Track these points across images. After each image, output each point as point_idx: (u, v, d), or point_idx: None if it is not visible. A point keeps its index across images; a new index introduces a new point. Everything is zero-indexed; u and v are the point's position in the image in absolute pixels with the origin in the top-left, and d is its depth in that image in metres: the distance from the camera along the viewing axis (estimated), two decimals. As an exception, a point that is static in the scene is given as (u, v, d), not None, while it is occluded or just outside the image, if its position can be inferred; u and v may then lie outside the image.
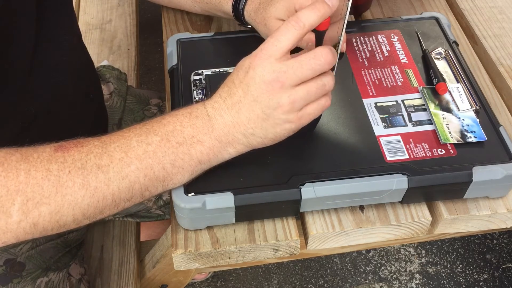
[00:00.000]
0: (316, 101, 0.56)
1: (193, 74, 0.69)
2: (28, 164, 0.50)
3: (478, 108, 0.65)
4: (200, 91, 0.67)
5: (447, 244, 1.57)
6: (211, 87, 0.68)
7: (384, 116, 0.65)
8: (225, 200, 0.57)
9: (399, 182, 0.59)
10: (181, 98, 0.67)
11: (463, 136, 0.62)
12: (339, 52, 0.61)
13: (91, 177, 0.51)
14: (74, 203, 0.51)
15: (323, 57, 0.53)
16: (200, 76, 0.69)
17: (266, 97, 0.53)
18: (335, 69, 0.62)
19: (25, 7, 0.62)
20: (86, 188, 0.51)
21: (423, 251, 1.55)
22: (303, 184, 0.58)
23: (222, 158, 0.56)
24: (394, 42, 0.74)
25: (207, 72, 0.70)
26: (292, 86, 0.53)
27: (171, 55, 0.73)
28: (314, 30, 0.56)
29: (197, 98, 0.67)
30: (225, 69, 0.70)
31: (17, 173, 0.49)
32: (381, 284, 1.48)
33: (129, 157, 0.53)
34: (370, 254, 1.55)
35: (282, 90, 0.53)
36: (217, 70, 0.70)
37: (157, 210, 1.00)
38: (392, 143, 0.62)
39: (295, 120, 0.55)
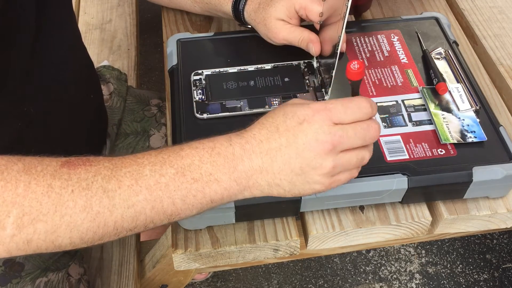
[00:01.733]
0: (349, 170, 0.54)
1: (193, 74, 0.69)
2: (30, 176, 0.47)
3: (478, 108, 0.65)
4: (200, 91, 0.67)
5: (447, 244, 1.57)
6: (211, 87, 0.68)
7: (384, 116, 0.65)
8: (225, 200, 0.57)
9: (399, 182, 0.59)
10: (181, 98, 0.67)
11: (463, 136, 0.62)
12: (338, 52, 0.61)
13: (94, 200, 0.48)
14: (72, 225, 0.47)
15: (374, 130, 0.52)
16: (200, 76, 0.69)
17: (312, 155, 0.50)
18: (334, 69, 0.62)
19: (25, 7, 0.62)
20: (88, 211, 0.48)
21: (423, 251, 1.55)
22: (303, 184, 0.58)
23: (233, 199, 0.53)
24: (394, 42, 0.74)
25: (207, 72, 0.70)
26: (339, 152, 0.52)
27: (171, 55, 0.73)
28: (351, 81, 0.56)
29: (197, 98, 0.67)
30: (225, 69, 0.70)
31: (17, 185, 0.46)
32: (381, 284, 1.48)
33: (139, 186, 0.49)
34: (370, 254, 1.55)
35: (329, 153, 0.51)
36: (217, 70, 0.70)
37: None
38: (392, 143, 0.62)
39: (326, 184, 0.53)
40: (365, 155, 0.53)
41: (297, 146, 0.51)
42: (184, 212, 0.52)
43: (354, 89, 0.57)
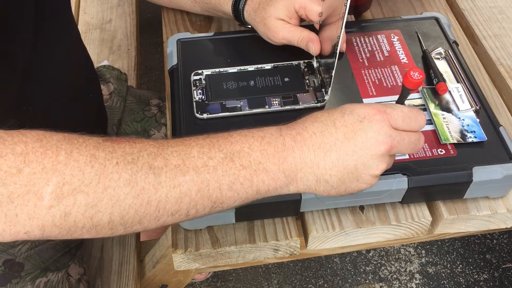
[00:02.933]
0: None
1: (193, 74, 0.69)
2: (71, 145, 0.44)
3: (478, 108, 0.65)
4: (200, 91, 0.67)
5: (447, 244, 1.57)
6: (211, 87, 0.68)
7: (384, 116, 0.65)
8: (225, 200, 0.57)
9: (399, 182, 0.59)
10: (181, 98, 0.67)
11: (463, 136, 0.62)
12: (338, 51, 0.61)
13: (140, 175, 0.45)
14: (115, 199, 0.44)
15: (422, 143, 0.53)
16: (200, 76, 0.69)
17: (369, 154, 0.50)
18: (334, 69, 0.62)
19: (24, 6, 0.62)
20: (132, 186, 0.45)
21: (423, 251, 1.55)
22: (303, 184, 0.58)
23: (278, 193, 0.52)
24: (394, 42, 0.74)
25: (207, 72, 0.70)
26: (392, 156, 0.52)
27: (171, 55, 0.73)
28: (403, 87, 0.56)
29: (197, 98, 0.67)
30: (225, 69, 0.70)
31: (58, 152, 0.43)
32: (381, 284, 1.48)
33: (186, 166, 0.47)
34: (370, 254, 1.55)
35: (385, 155, 0.51)
36: (217, 70, 0.70)
37: None
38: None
39: (372, 184, 0.52)
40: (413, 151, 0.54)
41: (355, 143, 0.50)
42: (228, 201, 0.50)
43: (404, 96, 0.57)
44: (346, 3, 0.56)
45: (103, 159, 0.44)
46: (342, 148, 0.50)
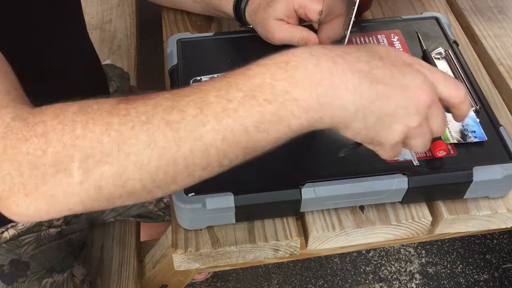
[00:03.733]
0: (422, 140, 0.49)
1: (192, 81, 0.69)
2: (86, 116, 0.43)
3: (478, 108, 0.65)
4: None
5: (447, 244, 1.57)
6: None
7: (384, 116, 0.65)
8: (225, 200, 0.57)
9: (399, 182, 0.59)
10: (181, 98, 0.67)
11: (463, 136, 0.62)
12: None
13: (158, 134, 0.43)
14: (140, 164, 0.42)
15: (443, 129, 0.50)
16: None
17: (412, 99, 0.45)
18: None
19: (35, 6, 0.62)
20: (153, 147, 0.42)
21: (423, 251, 1.55)
22: (303, 184, 0.58)
23: (313, 127, 0.46)
24: (394, 42, 0.74)
25: (205, 78, 0.69)
26: (427, 118, 0.47)
27: (171, 55, 0.73)
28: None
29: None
30: (224, 73, 0.69)
31: (74, 126, 0.42)
32: (381, 284, 1.48)
33: (204, 115, 0.43)
34: (370, 254, 1.55)
35: (424, 109, 0.46)
36: (215, 75, 0.69)
37: (158, 211, 1.00)
38: (392, 143, 0.62)
39: (397, 141, 0.48)
40: (428, 142, 0.50)
41: (401, 83, 0.45)
42: (260, 143, 0.45)
43: None
44: (356, 0, 0.56)
45: (118, 125, 0.43)
46: (388, 85, 0.45)
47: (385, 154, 0.50)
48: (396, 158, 0.61)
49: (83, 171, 0.42)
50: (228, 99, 0.43)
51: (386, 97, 0.44)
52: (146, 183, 0.44)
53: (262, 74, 0.44)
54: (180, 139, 0.43)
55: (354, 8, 0.57)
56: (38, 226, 0.81)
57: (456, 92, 0.49)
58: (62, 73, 0.70)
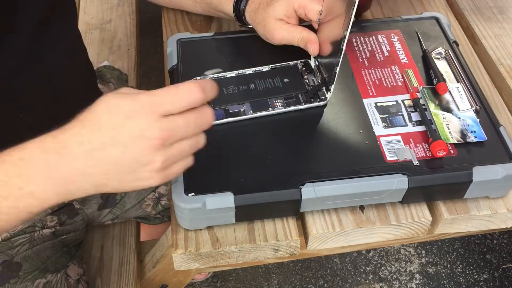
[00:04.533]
0: (184, 159, 0.51)
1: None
2: None
3: (478, 108, 0.65)
4: None
5: (447, 244, 1.57)
6: None
7: (384, 116, 0.65)
8: (225, 200, 0.57)
9: (399, 182, 0.59)
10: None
11: (463, 136, 0.62)
12: (344, 48, 0.61)
13: None
14: None
15: (207, 116, 0.50)
16: None
17: (140, 152, 0.47)
18: (338, 66, 0.62)
19: (25, 7, 0.62)
20: None
21: (423, 251, 1.55)
22: (303, 184, 0.58)
23: (61, 202, 0.50)
24: (394, 42, 0.74)
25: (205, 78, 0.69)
26: (170, 144, 0.48)
27: (171, 55, 0.73)
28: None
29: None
30: (223, 74, 0.69)
31: None
32: (381, 284, 1.48)
33: None
34: (370, 254, 1.55)
35: (159, 148, 0.47)
36: (215, 76, 0.69)
37: (156, 215, 1.00)
38: (392, 143, 0.62)
39: (159, 179, 0.49)
40: (200, 140, 0.51)
41: (123, 144, 0.46)
42: (4, 227, 0.49)
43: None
44: (355, 0, 0.56)
45: None
46: (112, 151, 0.47)
47: (154, 183, 0.50)
48: (396, 158, 0.61)
49: None
50: None
51: (114, 164, 0.47)
52: None
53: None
54: None
55: (353, 8, 0.57)
56: (31, 227, 0.80)
57: (192, 101, 0.48)
58: (51, 79, 0.70)
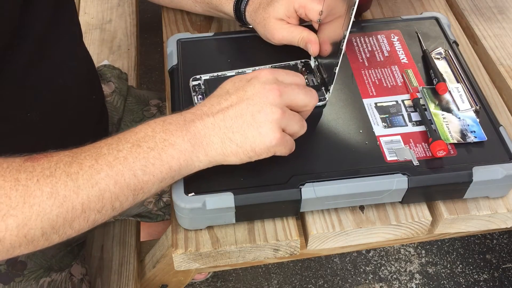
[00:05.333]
0: (297, 123, 0.57)
1: (191, 79, 0.69)
2: None
3: (478, 108, 0.65)
4: (200, 96, 0.67)
5: (447, 244, 1.57)
6: (211, 91, 0.68)
7: (384, 116, 0.65)
8: (225, 200, 0.57)
9: (399, 182, 0.59)
10: (181, 98, 0.67)
11: (463, 136, 0.62)
12: (344, 48, 0.61)
13: (59, 185, 0.49)
14: (42, 213, 0.48)
15: (314, 93, 0.58)
16: (199, 81, 0.69)
17: (262, 101, 0.54)
18: (338, 66, 0.62)
19: (34, 11, 0.62)
20: (55, 197, 0.49)
21: (423, 251, 1.55)
22: (303, 184, 0.58)
23: (193, 167, 0.55)
24: (394, 42, 0.74)
25: (205, 77, 0.69)
26: (286, 104, 0.56)
27: (171, 55, 0.73)
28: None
29: (197, 102, 0.67)
30: (223, 73, 0.69)
31: None
32: (381, 284, 1.48)
33: (99, 164, 0.51)
34: (370, 254, 1.55)
35: (278, 99, 0.55)
36: (215, 74, 0.69)
37: (158, 211, 1.00)
38: (392, 143, 0.62)
39: (278, 137, 0.54)
40: (304, 124, 0.59)
41: (247, 97, 0.55)
42: (147, 186, 0.53)
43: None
44: (356, 0, 0.56)
45: (25, 180, 0.48)
46: (238, 106, 0.54)
47: (280, 151, 0.56)
48: (396, 158, 0.61)
49: None
50: (118, 150, 0.52)
51: (239, 115, 0.54)
52: (46, 230, 0.49)
53: (145, 129, 0.54)
54: (78, 187, 0.49)
55: (353, 8, 0.57)
56: None
57: (299, 81, 0.59)
58: (53, 79, 0.70)
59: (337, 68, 0.63)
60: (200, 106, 0.56)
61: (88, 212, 0.51)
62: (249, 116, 0.54)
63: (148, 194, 0.54)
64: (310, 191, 0.58)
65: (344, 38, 0.60)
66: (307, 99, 0.58)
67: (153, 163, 0.52)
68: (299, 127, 0.58)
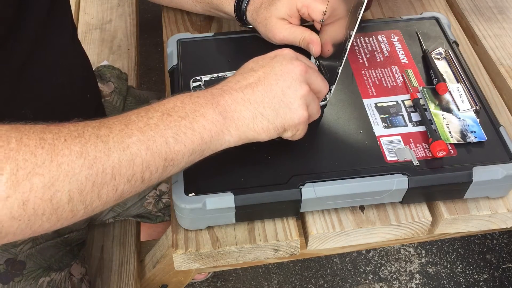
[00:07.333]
0: (315, 104, 0.58)
1: (192, 81, 0.69)
2: (20, 133, 0.44)
3: (478, 108, 0.65)
4: None
5: (447, 244, 1.57)
6: None
7: (384, 116, 0.65)
8: (225, 200, 0.57)
9: (399, 182, 0.59)
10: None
11: (463, 136, 0.62)
12: (349, 47, 0.61)
13: (89, 145, 0.46)
14: (71, 174, 0.44)
15: (327, 86, 0.61)
16: (199, 83, 0.69)
17: (290, 76, 0.55)
18: (341, 66, 0.62)
19: (28, 10, 0.62)
20: (85, 157, 0.45)
21: (423, 251, 1.55)
22: (303, 184, 0.58)
23: (223, 141, 0.53)
24: (394, 42, 0.74)
25: (205, 78, 0.69)
26: (308, 83, 0.57)
27: (171, 55, 0.73)
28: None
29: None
30: (223, 73, 0.69)
31: (8, 140, 0.43)
32: (381, 284, 1.48)
33: (129, 129, 0.49)
34: (370, 254, 1.55)
35: (305, 75, 0.56)
36: (215, 75, 0.69)
37: (157, 212, 1.00)
38: (392, 143, 0.62)
39: (305, 114, 0.55)
40: (319, 107, 0.60)
41: (275, 73, 0.55)
42: (177, 156, 0.51)
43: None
44: (364, 0, 0.56)
45: (52, 139, 0.45)
46: (266, 81, 0.54)
47: (299, 133, 0.57)
48: (396, 158, 0.61)
49: (11, 184, 0.42)
50: (148, 117, 0.50)
51: (269, 90, 0.54)
52: (73, 195, 0.45)
53: (174, 101, 0.53)
54: (109, 149, 0.47)
55: (362, 8, 0.57)
56: None
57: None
58: (46, 77, 0.70)
59: (340, 68, 0.63)
60: (225, 82, 0.56)
61: (118, 179, 0.47)
62: (279, 91, 0.54)
63: (177, 168, 0.52)
64: (310, 191, 0.58)
65: (350, 37, 0.60)
66: (323, 84, 0.59)
67: (184, 132, 0.51)
68: (317, 110, 0.59)
